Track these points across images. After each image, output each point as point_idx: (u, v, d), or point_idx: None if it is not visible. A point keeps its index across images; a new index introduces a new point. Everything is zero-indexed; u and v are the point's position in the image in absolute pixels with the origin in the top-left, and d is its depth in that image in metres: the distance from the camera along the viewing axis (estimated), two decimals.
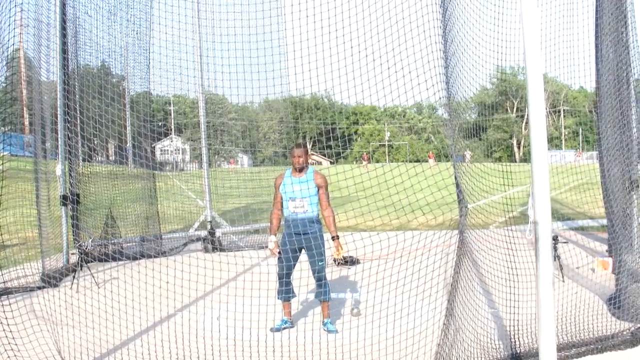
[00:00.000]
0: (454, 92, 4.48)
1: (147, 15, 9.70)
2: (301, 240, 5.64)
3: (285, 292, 5.73)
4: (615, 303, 5.85)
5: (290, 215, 5.68)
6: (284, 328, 5.80)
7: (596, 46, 6.24)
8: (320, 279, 5.66)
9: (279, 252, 5.70)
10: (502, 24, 5.21)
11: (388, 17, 4.16)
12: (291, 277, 5.76)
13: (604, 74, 6.17)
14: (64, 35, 8.75)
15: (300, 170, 5.72)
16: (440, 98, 4.08)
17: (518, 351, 4.71)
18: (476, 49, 5.04)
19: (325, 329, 5.68)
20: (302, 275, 5.63)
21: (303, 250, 5.78)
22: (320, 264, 5.61)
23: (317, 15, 4.53)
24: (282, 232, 5.85)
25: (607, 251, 7.61)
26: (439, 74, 4.03)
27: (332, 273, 7.53)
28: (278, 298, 5.81)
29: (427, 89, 3.97)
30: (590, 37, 6.27)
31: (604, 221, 6.24)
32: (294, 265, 5.75)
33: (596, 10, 6.24)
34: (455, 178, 4.27)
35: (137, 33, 9.88)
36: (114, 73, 10.48)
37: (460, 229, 4.15)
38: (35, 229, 8.31)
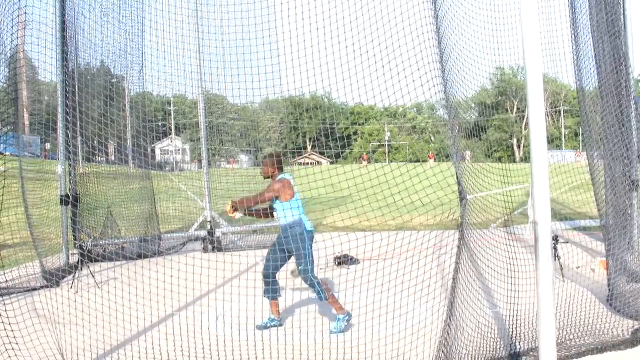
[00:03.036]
0: (451, 90, 4.49)
1: (142, 17, 9.75)
2: (288, 241, 5.70)
3: (271, 291, 5.83)
4: (612, 303, 5.86)
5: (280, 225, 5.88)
6: (272, 326, 5.88)
7: (593, 43, 6.23)
8: (305, 281, 5.71)
9: (269, 252, 5.84)
10: (500, 24, 5.23)
11: (380, 17, 4.18)
12: (277, 276, 5.86)
13: (600, 72, 6.17)
14: (63, 36, 8.76)
15: (267, 178, 5.89)
16: (433, 95, 4.08)
17: (518, 350, 4.72)
18: (474, 49, 5.05)
19: (334, 329, 5.69)
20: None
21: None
22: (299, 267, 5.68)
23: (306, 13, 4.56)
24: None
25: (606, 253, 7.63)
26: (435, 69, 4.04)
27: (333, 272, 7.55)
28: (264, 296, 5.89)
29: (420, 86, 3.97)
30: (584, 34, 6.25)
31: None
32: (280, 266, 5.84)
33: (589, 7, 6.24)
34: (456, 172, 4.29)
35: (130, 34, 9.91)
36: (113, 73, 10.50)
37: (461, 221, 4.15)
38: (35, 229, 8.32)
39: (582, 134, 6.74)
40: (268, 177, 5.89)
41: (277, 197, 5.70)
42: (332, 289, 6.10)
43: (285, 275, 5.71)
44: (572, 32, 6.12)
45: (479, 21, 5.21)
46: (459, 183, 4.24)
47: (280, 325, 5.94)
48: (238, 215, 5.63)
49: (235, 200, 5.60)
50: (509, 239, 5.09)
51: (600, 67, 6.15)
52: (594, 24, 6.08)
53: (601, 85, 6.21)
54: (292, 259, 5.87)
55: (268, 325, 5.88)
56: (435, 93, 4.10)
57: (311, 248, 5.74)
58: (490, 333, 4.83)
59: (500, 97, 75.80)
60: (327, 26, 4.49)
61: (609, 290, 6.01)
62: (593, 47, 6.11)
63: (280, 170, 5.86)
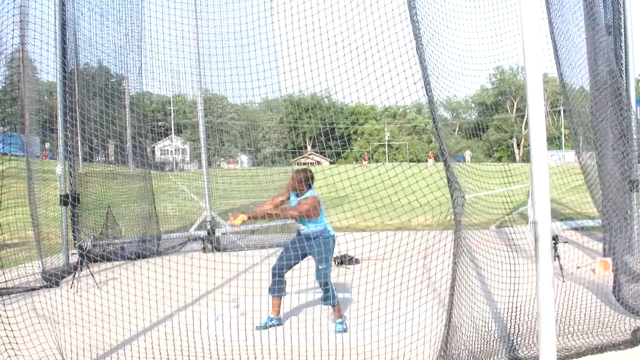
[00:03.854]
0: (439, 90, 4.48)
1: (141, 18, 9.76)
2: (306, 246, 5.75)
3: (278, 288, 5.84)
4: (617, 295, 5.85)
5: (300, 230, 5.89)
6: (270, 326, 5.89)
7: (587, 42, 6.20)
8: (321, 285, 5.73)
9: (283, 250, 5.84)
10: (500, 23, 5.23)
11: (379, 19, 4.18)
12: (284, 275, 5.86)
13: (596, 70, 6.15)
14: (63, 35, 8.76)
15: (295, 190, 5.83)
16: (420, 98, 4.07)
17: (518, 350, 4.71)
18: (473, 49, 5.06)
19: (337, 329, 5.72)
20: (302, 274, 5.64)
21: (307, 258, 5.90)
22: (321, 268, 5.69)
23: (301, 12, 4.57)
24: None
25: (604, 252, 7.63)
26: (424, 69, 4.04)
27: (333, 273, 7.54)
28: (269, 293, 5.89)
29: (413, 84, 3.96)
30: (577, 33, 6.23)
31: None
32: (292, 266, 5.84)
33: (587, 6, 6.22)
34: (447, 171, 4.25)
35: (130, 34, 9.92)
36: (113, 73, 10.50)
37: (457, 219, 4.13)
38: (37, 229, 8.31)
39: (574, 134, 6.72)
40: (295, 191, 5.83)
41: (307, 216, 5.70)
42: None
43: (294, 274, 5.70)
44: (550, 30, 6.09)
45: (478, 21, 5.21)
46: (449, 183, 4.21)
47: (280, 324, 5.95)
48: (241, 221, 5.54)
49: (254, 213, 5.66)
50: (509, 239, 5.09)
51: (593, 67, 6.13)
52: (588, 22, 6.06)
53: (598, 85, 6.20)
54: (304, 261, 5.88)
55: (267, 324, 5.89)
56: (420, 97, 4.09)
57: (332, 254, 5.82)
58: (491, 333, 4.83)
59: (500, 97, 75.78)
60: (322, 24, 4.49)
61: (614, 283, 5.98)
62: (587, 46, 6.09)
63: (309, 187, 5.80)
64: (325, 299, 5.76)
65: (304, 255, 5.83)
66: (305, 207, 5.63)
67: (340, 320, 5.76)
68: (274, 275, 5.83)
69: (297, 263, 5.85)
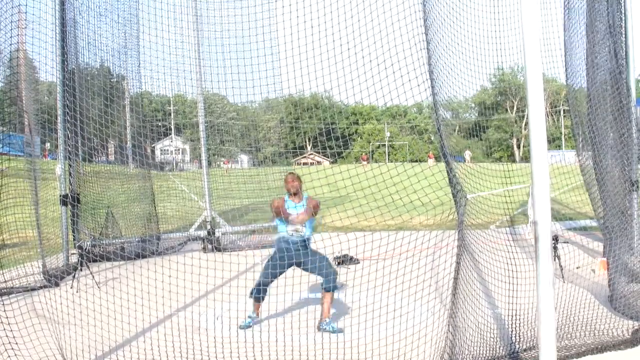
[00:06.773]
0: (442, 91, 4.49)
1: (139, 18, 9.77)
2: (299, 255, 5.82)
3: (257, 291, 5.91)
4: (613, 303, 5.85)
5: (289, 238, 5.91)
6: (254, 324, 5.98)
7: (587, 41, 6.20)
8: (327, 274, 5.80)
9: (269, 261, 5.91)
10: (501, 23, 5.22)
11: (376, 16, 4.19)
12: (269, 286, 5.93)
13: (595, 71, 6.15)
14: (63, 33, 8.75)
15: (295, 194, 6.00)
16: (427, 97, 4.08)
17: (518, 350, 4.71)
18: (474, 49, 5.05)
19: (328, 329, 5.70)
20: (302, 274, 5.64)
21: (293, 268, 5.96)
22: (322, 262, 5.79)
23: (300, 11, 4.58)
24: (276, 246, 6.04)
25: (604, 252, 7.63)
26: (426, 72, 4.05)
27: None
28: (250, 296, 5.98)
29: (417, 86, 3.97)
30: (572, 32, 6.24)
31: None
32: (278, 277, 5.90)
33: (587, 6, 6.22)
34: (448, 173, 4.26)
35: (129, 34, 9.92)
36: (113, 73, 10.50)
37: (460, 219, 4.13)
38: (35, 229, 8.31)
39: (575, 134, 6.72)
40: (295, 192, 5.97)
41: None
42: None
43: (294, 274, 5.70)
44: (565, 31, 6.11)
45: (479, 21, 5.21)
46: (451, 184, 4.21)
47: (257, 316, 6.04)
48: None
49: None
50: (509, 240, 5.09)
51: (594, 67, 6.13)
52: (588, 22, 6.06)
53: (598, 85, 6.20)
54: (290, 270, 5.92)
55: (251, 324, 5.97)
56: (431, 94, 4.09)
57: None
58: (491, 333, 4.82)
59: (500, 97, 75.73)
60: (321, 24, 4.50)
61: (610, 290, 6.00)
62: (586, 46, 6.09)
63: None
64: (327, 282, 5.78)
65: (291, 265, 5.88)
66: (315, 204, 5.90)
67: (328, 319, 5.79)
68: (258, 286, 5.90)
69: (283, 274, 5.89)
